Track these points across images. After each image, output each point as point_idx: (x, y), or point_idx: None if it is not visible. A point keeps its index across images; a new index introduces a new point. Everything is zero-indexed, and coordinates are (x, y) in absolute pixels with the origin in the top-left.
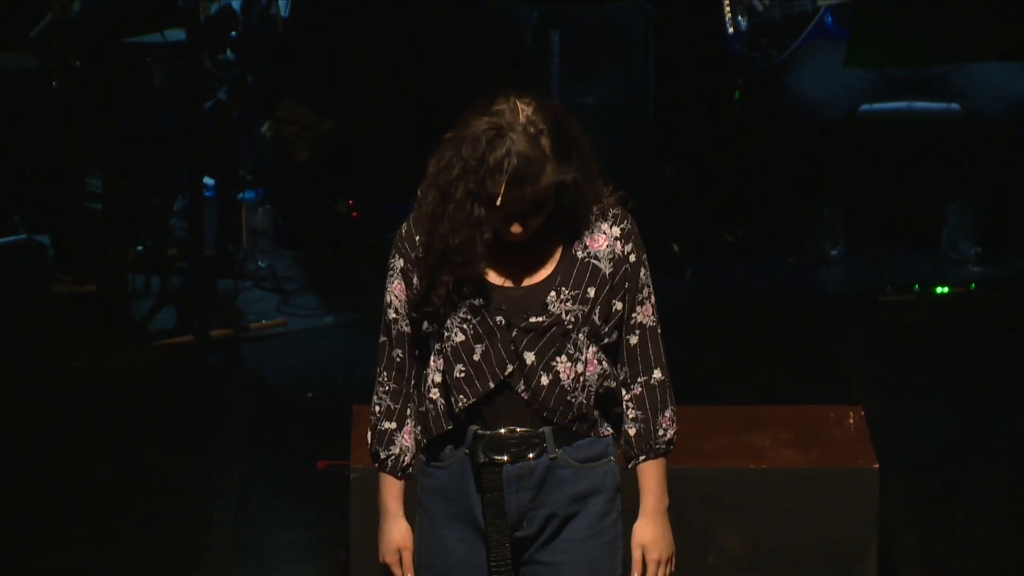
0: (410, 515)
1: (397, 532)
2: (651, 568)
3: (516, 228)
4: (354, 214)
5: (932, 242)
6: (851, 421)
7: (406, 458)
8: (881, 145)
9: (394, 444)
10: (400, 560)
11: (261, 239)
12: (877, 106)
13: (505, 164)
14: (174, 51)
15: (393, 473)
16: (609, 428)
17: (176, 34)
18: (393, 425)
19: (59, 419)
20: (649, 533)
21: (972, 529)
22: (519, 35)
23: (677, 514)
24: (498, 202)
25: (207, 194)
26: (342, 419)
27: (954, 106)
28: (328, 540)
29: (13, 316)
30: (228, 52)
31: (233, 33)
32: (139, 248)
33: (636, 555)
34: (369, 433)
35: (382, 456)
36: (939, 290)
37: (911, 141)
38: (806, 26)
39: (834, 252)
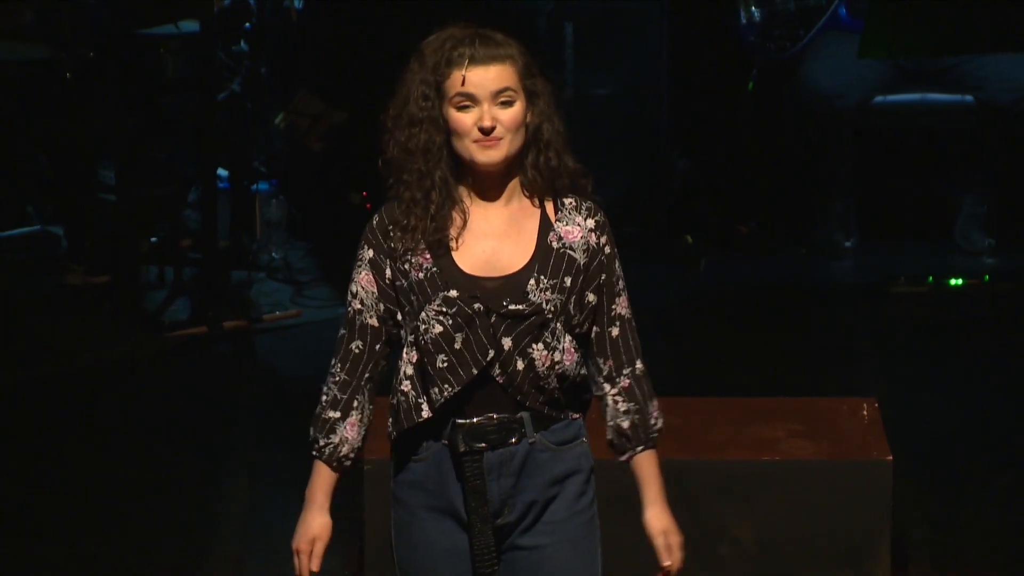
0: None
1: (317, 522)
2: (676, 552)
3: (487, 121)
4: (367, 205)
5: (945, 234)
6: (864, 413)
7: (344, 448)
8: (895, 137)
9: (334, 433)
10: (312, 550)
11: (275, 230)
12: (891, 98)
13: (468, 44)
14: (187, 42)
15: (329, 462)
16: (577, 412)
17: (190, 25)
18: (337, 415)
19: (71, 410)
20: (664, 518)
21: (984, 521)
22: (532, 26)
23: (689, 505)
24: (463, 83)
25: (221, 185)
26: None
27: (968, 97)
28: (342, 531)
29: (26, 307)
30: (242, 43)
31: (247, 24)
32: (152, 239)
33: (660, 541)
34: (312, 423)
35: (320, 443)
36: (952, 282)
37: (925, 133)
38: (820, 17)
39: (848, 244)
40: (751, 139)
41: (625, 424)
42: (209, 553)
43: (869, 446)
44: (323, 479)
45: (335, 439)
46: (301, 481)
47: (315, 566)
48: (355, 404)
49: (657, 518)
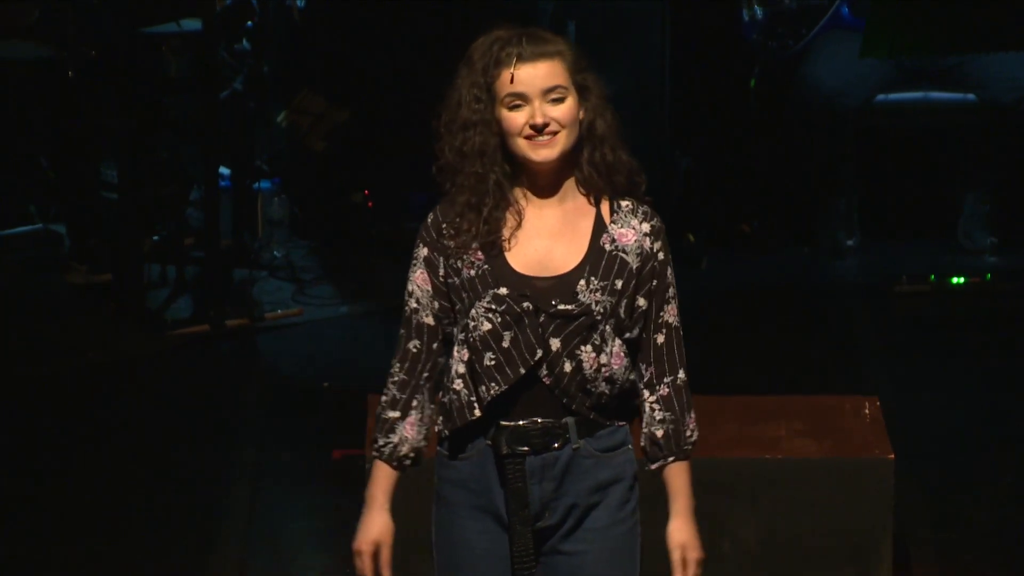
0: (405, 508)
1: (378, 524)
2: (692, 568)
3: (538, 118)
4: (369, 204)
5: (948, 232)
6: (866, 411)
7: (404, 448)
8: (897, 135)
9: (394, 433)
10: (374, 553)
11: (277, 229)
12: (893, 96)
13: (515, 43)
14: (190, 41)
15: (389, 462)
16: (624, 419)
17: (192, 24)
18: (397, 414)
19: (74, 408)
20: (686, 533)
21: (986, 519)
22: (535, 24)
23: None
24: (512, 81)
25: (223, 184)
26: (357, 408)
27: (970, 96)
28: (343, 529)
29: (29, 306)
30: (244, 42)
31: (249, 23)
32: (155, 238)
33: (676, 556)
34: (374, 423)
35: (380, 443)
36: (955, 280)
37: (927, 131)
38: (822, 16)
39: (850, 243)
40: (753, 138)
41: (659, 433)
42: (211, 551)
43: (871, 444)
44: (383, 479)
45: (395, 439)
46: (305, 478)
47: (386, 574)
48: (414, 403)
49: (678, 531)
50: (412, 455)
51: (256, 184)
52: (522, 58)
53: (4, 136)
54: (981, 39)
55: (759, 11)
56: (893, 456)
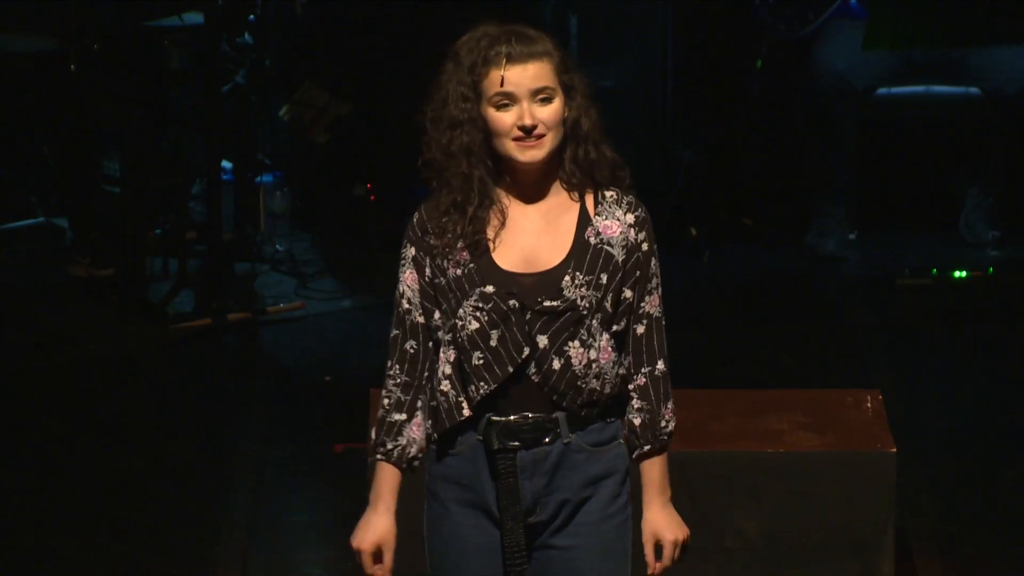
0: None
1: (382, 526)
2: (668, 550)
3: (528, 119)
4: (372, 197)
5: (950, 226)
6: (868, 405)
7: (412, 450)
8: (900, 129)
9: (402, 435)
10: (374, 553)
11: (279, 222)
12: (896, 90)
13: (504, 42)
14: (192, 34)
15: (398, 464)
16: (616, 414)
17: (194, 17)
18: (403, 416)
19: (76, 402)
20: (659, 520)
21: (989, 513)
22: (537, 18)
23: (693, 497)
24: (502, 82)
25: (225, 177)
26: (360, 402)
27: (973, 89)
28: (345, 523)
29: (31, 299)
30: (246, 35)
31: (251, 16)
32: (157, 231)
33: (648, 548)
34: (375, 426)
35: (388, 446)
36: (957, 274)
37: (930, 125)
38: (829, 2)
39: (851, 236)
40: (756, 131)
41: (636, 421)
42: (213, 544)
43: (873, 438)
44: (390, 480)
45: (403, 441)
46: (307, 472)
47: (380, 572)
48: (419, 404)
49: (648, 522)
50: (420, 456)
51: (258, 177)
52: (512, 58)
53: (6, 129)
54: (983, 32)
55: None
56: (895, 449)
